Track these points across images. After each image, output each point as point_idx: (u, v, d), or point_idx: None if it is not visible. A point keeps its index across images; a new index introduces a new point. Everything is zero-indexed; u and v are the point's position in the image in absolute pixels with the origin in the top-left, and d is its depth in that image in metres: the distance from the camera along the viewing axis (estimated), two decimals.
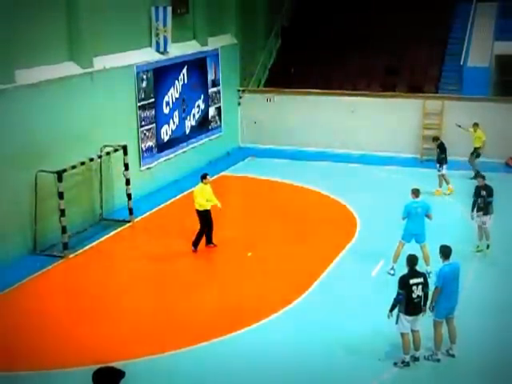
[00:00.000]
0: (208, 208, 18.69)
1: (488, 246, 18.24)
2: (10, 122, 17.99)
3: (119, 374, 7.33)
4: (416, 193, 16.90)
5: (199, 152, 26.95)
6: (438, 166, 23.30)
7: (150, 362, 13.49)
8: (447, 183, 23.35)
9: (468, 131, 24.87)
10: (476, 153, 24.81)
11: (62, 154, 19.32)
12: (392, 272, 16.79)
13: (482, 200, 18.06)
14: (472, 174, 24.04)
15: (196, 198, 18.65)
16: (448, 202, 22.34)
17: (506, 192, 21.57)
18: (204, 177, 18.80)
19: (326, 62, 30.25)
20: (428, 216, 16.85)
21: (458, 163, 24.99)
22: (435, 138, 24.15)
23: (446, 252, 13.05)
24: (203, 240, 18.95)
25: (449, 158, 23.36)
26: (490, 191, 18.15)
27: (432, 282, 13.35)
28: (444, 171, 23.24)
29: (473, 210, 18.29)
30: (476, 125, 24.68)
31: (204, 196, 18.59)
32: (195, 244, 18.82)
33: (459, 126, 25.27)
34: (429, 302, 12.99)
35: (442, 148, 23.40)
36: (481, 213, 18.06)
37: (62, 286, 17.24)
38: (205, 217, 18.69)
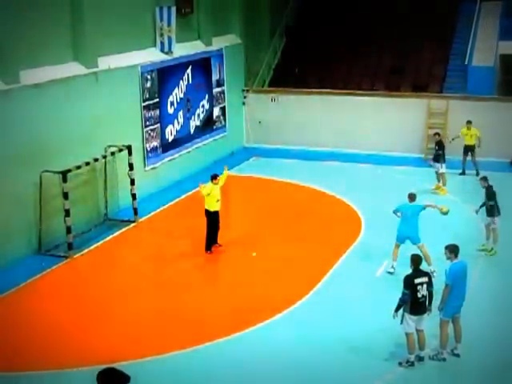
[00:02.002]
0: (217, 209, 18.66)
1: (492, 249, 18.18)
2: (14, 122, 18.02)
3: (124, 377, 7.19)
4: (412, 197, 17.05)
5: (204, 152, 26.95)
6: (434, 163, 23.29)
7: (154, 362, 13.49)
8: (443, 183, 23.34)
9: (459, 136, 24.83)
10: (470, 150, 24.80)
11: (66, 154, 19.34)
12: (392, 270, 16.86)
13: (486, 202, 18.07)
14: (474, 172, 24.22)
15: (207, 199, 18.51)
16: (451, 201, 22.30)
17: (510, 192, 21.52)
18: (214, 177, 18.73)
19: (330, 62, 30.23)
20: (429, 207, 16.95)
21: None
22: (436, 134, 24.17)
23: (454, 250, 13.06)
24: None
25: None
26: (489, 194, 18.07)
27: (436, 281, 13.34)
28: (443, 170, 23.23)
29: (480, 207, 18.34)
30: (469, 122, 24.66)
31: (214, 196, 18.55)
32: (208, 246, 18.78)
33: (453, 139, 25.10)
34: (438, 302, 12.96)
35: (440, 145, 23.41)
36: (495, 217, 18.05)
37: (67, 286, 17.23)
38: (213, 217, 18.69)
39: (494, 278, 16.99)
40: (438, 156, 23.22)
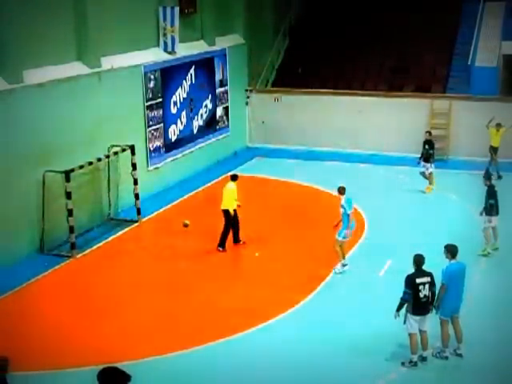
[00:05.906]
0: (235, 207, 18.72)
1: (496, 248, 18.15)
2: (18, 122, 18.04)
3: (125, 376, 7.18)
4: (341, 191, 17.20)
5: (207, 152, 26.96)
6: (423, 163, 23.17)
7: (154, 362, 13.49)
8: (430, 182, 23.24)
9: (497, 133, 24.76)
10: (493, 151, 24.74)
11: (69, 153, 19.35)
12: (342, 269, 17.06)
13: (486, 201, 18.03)
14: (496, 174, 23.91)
15: (228, 199, 18.52)
16: (454, 201, 22.29)
17: None
18: (237, 176, 18.77)
19: (333, 62, 30.25)
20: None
21: (467, 163, 24.99)
22: (427, 132, 24.08)
23: (452, 251, 13.05)
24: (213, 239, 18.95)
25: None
26: (488, 192, 18.06)
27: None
28: (432, 169, 23.15)
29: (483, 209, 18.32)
30: (499, 125, 24.57)
31: (234, 196, 18.61)
32: (222, 244, 18.79)
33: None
34: (435, 301, 12.99)
35: (430, 144, 23.34)
36: (492, 216, 18.01)
37: (70, 285, 17.24)
38: (233, 216, 18.72)
39: (495, 278, 16.97)
40: (429, 156, 23.12)
